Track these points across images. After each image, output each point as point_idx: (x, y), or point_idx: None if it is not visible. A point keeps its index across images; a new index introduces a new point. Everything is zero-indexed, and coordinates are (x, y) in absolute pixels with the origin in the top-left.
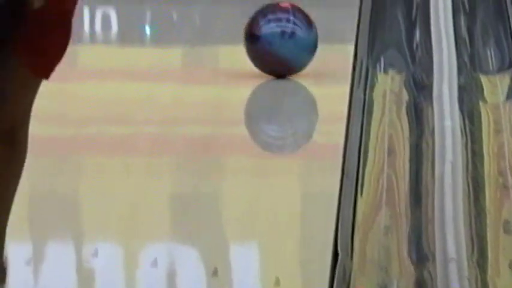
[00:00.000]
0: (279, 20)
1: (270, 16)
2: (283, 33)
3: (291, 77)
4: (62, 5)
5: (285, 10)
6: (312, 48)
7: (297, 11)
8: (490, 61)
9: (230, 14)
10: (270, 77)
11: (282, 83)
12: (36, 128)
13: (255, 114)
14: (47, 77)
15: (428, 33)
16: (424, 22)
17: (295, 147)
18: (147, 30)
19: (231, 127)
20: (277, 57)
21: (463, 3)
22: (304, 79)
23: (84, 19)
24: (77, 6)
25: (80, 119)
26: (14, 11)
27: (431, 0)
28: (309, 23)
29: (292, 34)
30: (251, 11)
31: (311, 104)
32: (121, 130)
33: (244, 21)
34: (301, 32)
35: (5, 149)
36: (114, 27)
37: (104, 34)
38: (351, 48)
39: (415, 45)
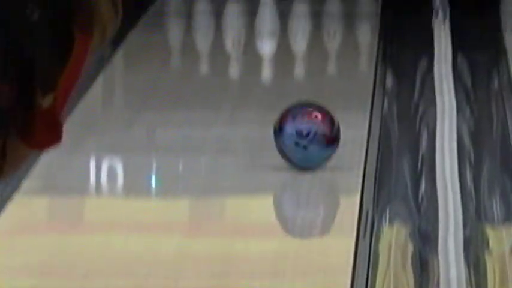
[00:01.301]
0: (300, 130)
1: (297, 119)
2: (296, 143)
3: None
4: (65, 98)
5: (310, 121)
6: (322, 163)
7: (322, 125)
8: (495, 213)
9: (236, 165)
10: (276, 226)
11: (290, 232)
12: (41, 282)
13: (262, 270)
14: (49, 148)
15: (434, 185)
16: (430, 174)
17: None
18: (153, 181)
19: (238, 281)
20: (287, 158)
21: (468, 155)
22: (310, 231)
23: (90, 170)
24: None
25: (84, 273)
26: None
27: (437, 151)
28: (328, 142)
29: (305, 147)
30: (256, 164)
31: (316, 258)
32: (127, 284)
33: (250, 173)
34: (314, 149)
35: None
36: (120, 178)
37: (109, 186)
38: (356, 199)
39: (420, 197)
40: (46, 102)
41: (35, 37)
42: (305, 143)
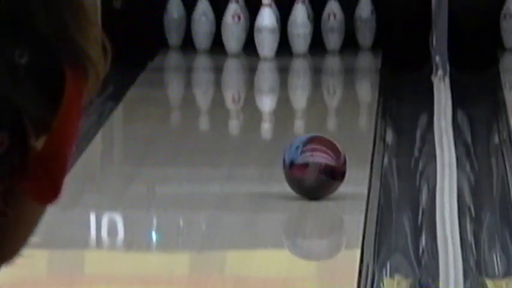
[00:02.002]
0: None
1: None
2: (302, 152)
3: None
4: (64, 140)
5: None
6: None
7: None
8: (496, 266)
9: (235, 221)
10: (276, 281)
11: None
12: None
13: None
14: (55, 201)
15: (434, 238)
16: (430, 227)
17: None
18: (154, 236)
19: None
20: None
21: (469, 208)
22: (309, 283)
23: (90, 225)
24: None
25: None
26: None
27: (437, 206)
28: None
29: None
30: (255, 220)
31: None
32: None
33: (249, 229)
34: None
35: None
36: (120, 233)
37: (109, 240)
38: (357, 252)
39: (421, 250)
40: (39, 144)
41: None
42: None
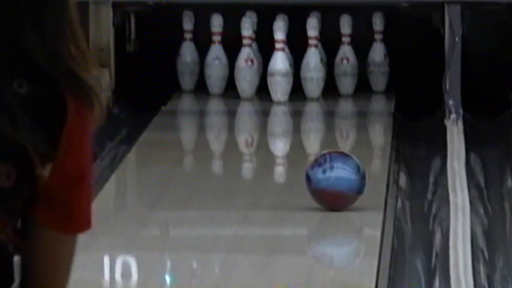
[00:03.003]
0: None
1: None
2: (323, 170)
3: None
4: (73, 166)
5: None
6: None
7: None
8: None
9: (249, 264)
10: None
11: None
12: None
13: None
14: (79, 230)
15: (448, 281)
16: (444, 270)
17: None
18: (167, 278)
19: None
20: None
21: (482, 252)
22: None
23: (104, 268)
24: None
25: None
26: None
27: (450, 248)
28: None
29: (331, 168)
30: (269, 263)
31: None
32: None
33: (263, 272)
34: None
35: None
36: (134, 275)
37: (123, 283)
38: None
39: None
40: (47, 172)
41: (25, 110)
42: (329, 165)
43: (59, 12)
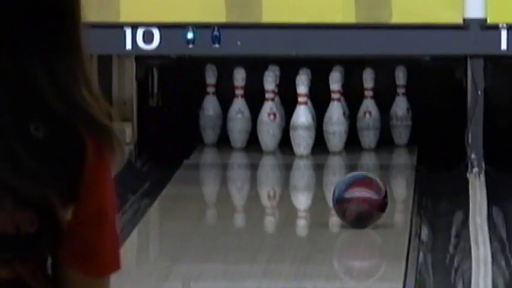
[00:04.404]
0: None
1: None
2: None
3: None
4: (95, 208)
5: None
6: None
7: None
8: None
9: None
10: None
11: None
12: None
13: None
14: (106, 271)
15: None
16: None
17: None
18: None
19: None
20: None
21: None
22: None
23: None
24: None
25: None
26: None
27: None
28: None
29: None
30: None
31: None
32: None
33: None
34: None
35: None
36: None
37: None
38: None
39: None
40: (68, 214)
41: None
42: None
43: (71, 56)
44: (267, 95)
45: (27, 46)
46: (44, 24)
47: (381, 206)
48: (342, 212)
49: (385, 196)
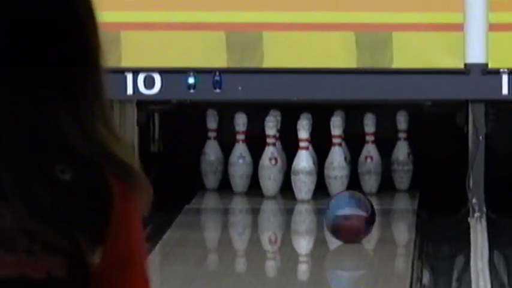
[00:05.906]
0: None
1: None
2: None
3: None
4: (123, 250)
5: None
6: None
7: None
8: None
9: None
10: None
11: None
12: None
13: None
14: None
15: None
16: None
17: None
18: None
19: None
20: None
21: None
22: None
23: None
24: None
25: None
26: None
27: None
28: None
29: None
30: None
31: None
32: None
33: None
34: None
35: None
36: None
37: None
38: None
39: None
40: (97, 257)
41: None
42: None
43: (93, 99)
44: (268, 140)
45: (50, 92)
46: (68, 71)
47: (370, 220)
48: (333, 232)
49: (372, 213)
